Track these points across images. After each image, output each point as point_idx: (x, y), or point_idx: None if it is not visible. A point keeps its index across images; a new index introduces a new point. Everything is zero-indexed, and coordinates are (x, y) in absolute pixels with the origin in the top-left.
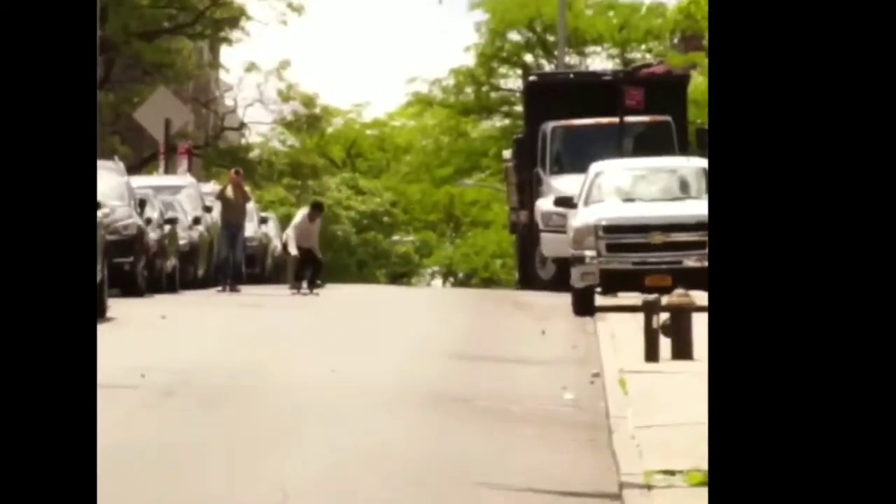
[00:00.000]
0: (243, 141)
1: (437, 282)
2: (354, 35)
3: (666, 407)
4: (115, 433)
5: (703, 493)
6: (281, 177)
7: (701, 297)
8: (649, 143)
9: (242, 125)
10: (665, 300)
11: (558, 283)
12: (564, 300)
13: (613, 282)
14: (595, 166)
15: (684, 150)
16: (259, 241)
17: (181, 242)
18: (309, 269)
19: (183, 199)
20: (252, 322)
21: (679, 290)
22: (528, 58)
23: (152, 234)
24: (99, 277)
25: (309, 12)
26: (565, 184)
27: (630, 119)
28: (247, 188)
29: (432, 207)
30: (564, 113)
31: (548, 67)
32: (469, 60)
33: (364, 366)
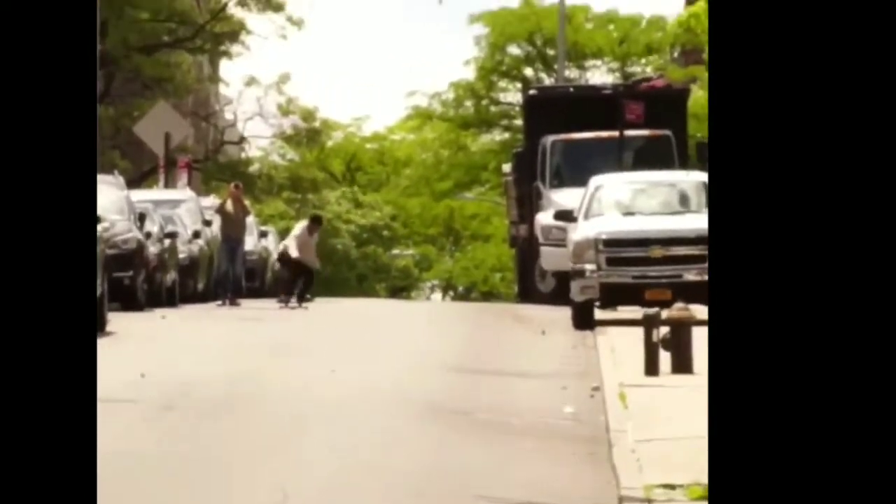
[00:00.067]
0: (243, 155)
1: (437, 295)
2: (354, 49)
3: (666, 421)
4: (114, 446)
5: None
6: (281, 191)
7: (701, 310)
8: (649, 157)
9: (242, 139)
10: (665, 314)
11: (558, 296)
12: (564, 314)
13: (613, 295)
14: (595, 180)
15: (684, 163)
16: (259, 255)
17: (181, 256)
18: (301, 282)
19: (183, 213)
20: (252, 335)
21: (679, 304)
22: (528, 71)
23: (152, 248)
24: (99, 291)
25: (308, 26)
26: (565, 197)
27: (630, 133)
28: (246, 202)
29: (432, 221)
30: (564, 127)
31: (548, 81)
32: (469, 74)
33: (364, 379)
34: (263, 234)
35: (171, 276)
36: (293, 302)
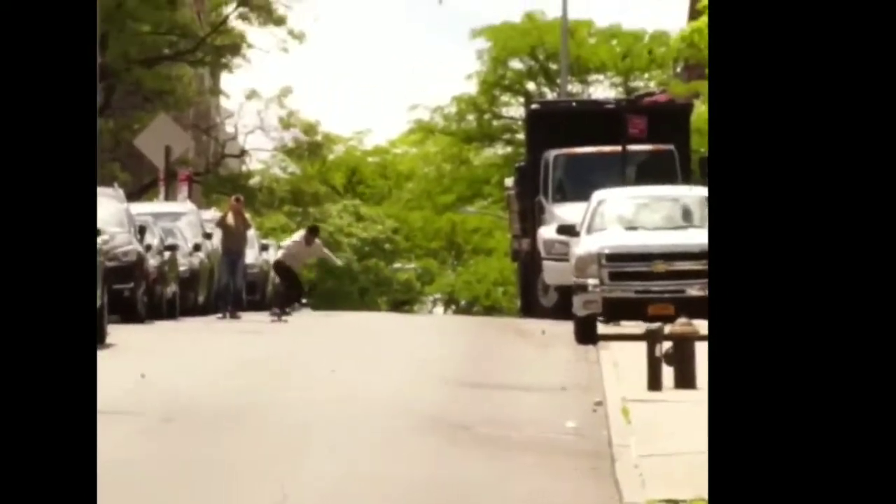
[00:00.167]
0: (244, 168)
1: (439, 309)
2: (356, 62)
3: (669, 436)
4: (113, 455)
5: None
6: (282, 204)
7: (704, 325)
8: (652, 172)
9: (243, 152)
10: (668, 329)
11: (560, 311)
12: (567, 328)
13: (616, 310)
14: (598, 194)
15: (687, 178)
16: (259, 269)
17: (181, 269)
18: (288, 291)
19: (183, 225)
20: (252, 348)
21: (682, 319)
22: (531, 86)
23: (152, 261)
24: (99, 304)
25: (310, 40)
26: (568, 212)
27: (633, 147)
28: (247, 215)
29: (434, 235)
30: (567, 141)
31: (550, 95)
32: (471, 88)
33: (365, 391)
34: (264, 248)
35: (171, 289)
36: (285, 316)
